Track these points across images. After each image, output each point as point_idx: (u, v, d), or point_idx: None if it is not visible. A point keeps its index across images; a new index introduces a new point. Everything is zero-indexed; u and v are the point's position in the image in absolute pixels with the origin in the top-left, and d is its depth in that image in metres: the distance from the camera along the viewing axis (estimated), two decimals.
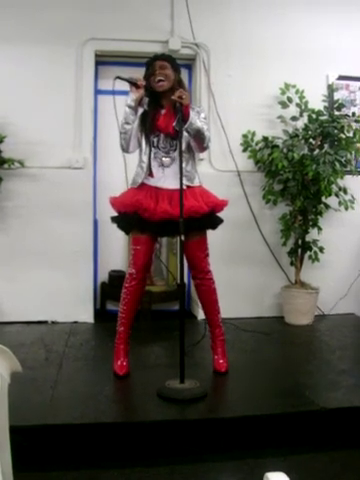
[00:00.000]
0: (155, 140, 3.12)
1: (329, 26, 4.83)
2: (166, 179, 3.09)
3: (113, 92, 2.98)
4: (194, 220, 2.98)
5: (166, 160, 3.10)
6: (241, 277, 4.70)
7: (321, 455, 2.52)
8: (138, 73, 3.16)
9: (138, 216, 3.03)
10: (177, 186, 2.93)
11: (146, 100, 3.12)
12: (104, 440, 2.50)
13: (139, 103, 3.07)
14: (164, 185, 3.09)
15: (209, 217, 3.11)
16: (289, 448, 2.57)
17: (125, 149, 3.17)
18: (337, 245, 4.80)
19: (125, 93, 3.09)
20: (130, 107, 3.06)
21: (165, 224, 2.99)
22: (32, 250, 4.45)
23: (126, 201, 3.10)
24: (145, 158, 3.12)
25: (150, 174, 3.12)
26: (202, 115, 3.15)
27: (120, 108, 3.07)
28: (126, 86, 3.07)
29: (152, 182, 3.11)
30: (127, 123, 3.08)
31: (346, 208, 4.48)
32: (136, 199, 3.05)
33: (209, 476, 2.28)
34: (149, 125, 3.10)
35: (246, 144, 4.65)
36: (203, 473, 2.34)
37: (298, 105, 4.62)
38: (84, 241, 4.57)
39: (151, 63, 3.10)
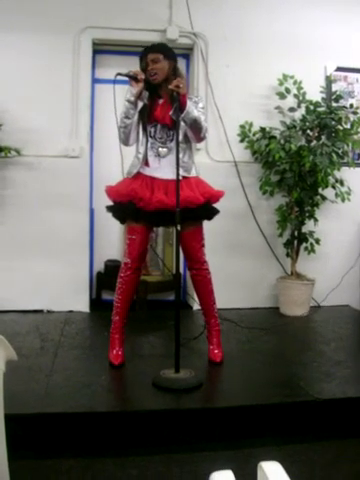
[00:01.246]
0: (152, 130, 3.11)
1: (328, 17, 4.81)
2: (162, 169, 3.08)
3: (113, 82, 2.97)
4: (189, 210, 2.98)
5: (162, 150, 3.10)
6: (237, 268, 4.71)
7: (315, 445, 2.53)
8: (136, 62, 3.15)
9: (133, 205, 3.03)
10: (173, 176, 2.92)
11: (146, 94, 3.10)
12: (99, 429, 2.51)
13: (139, 97, 3.06)
14: (160, 175, 3.08)
15: (205, 208, 3.11)
16: (283, 438, 2.58)
17: (124, 142, 3.16)
18: (333, 237, 4.81)
19: (123, 82, 3.08)
20: (130, 102, 3.04)
21: (160, 214, 2.99)
22: (28, 239, 4.44)
23: (121, 190, 3.10)
24: (142, 149, 3.12)
25: (146, 164, 3.11)
26: (200, 105, 3.14)
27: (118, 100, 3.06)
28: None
29: (148, 172, 3.11)
30: (127, 117, 3.06)
31: (342, 200, 4.49)
32: (131, 188, 3.05)
33: (204, 465, 2.29)
34: (146, 115, 3.09)
35: (243, 135, 4.64)
36: (198, 462, 2.35)
37: (296, 96, 4.61)
38: (80, 230, 4.56)
39: (143, 56, 3.09)
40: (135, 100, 3.04)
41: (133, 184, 3.08)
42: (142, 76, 3.02)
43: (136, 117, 3.08)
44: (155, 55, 3.06)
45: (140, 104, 3.07)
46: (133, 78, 3.01)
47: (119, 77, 2.99)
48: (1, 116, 4.30)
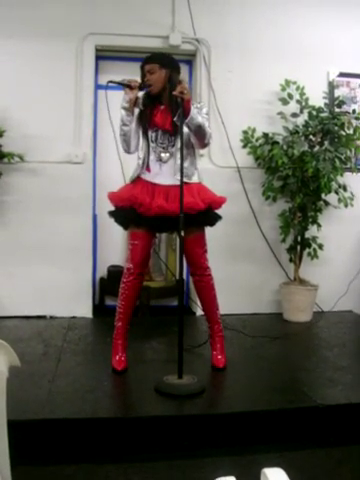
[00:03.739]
0: (153, 135, 3.12)
1: (330, 23, 4.82)
2: (163, 174, 3.08)
3: (105, 88, 3.03)
4: (190, 216, 2.97)
5: (164, 155, 3.10)
6: (240, 273, 4.70)
7: (318, 451, 2.53)
8: (138, 68, 3.16)
9: (134, 211, 3.03)
10: (174, 182, 2.95)
11: (140, 101, 3.12)
12: (102, 435, 2.50)
13: (134, 104, 3.07)
14: (160, 181, 3.08)
15: (206, 214, 3.11)
16: (286, 444, 2.57)
17: (127, 150, 3.19)
18: (336, 242, 4.80)
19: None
20: (125, 109, 3.06)
21: (161, 220, 3.00)
22: (31, 245, 4.45)
23: (122, 195, 3.11)
24: (141, 154, 3.13)
25: (147, 169, 3.11)
26: (204, 111, 3.15)
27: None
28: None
29: (149, 177, 3.11)
30: (125, 125, 3.08)
31: (345, 205, 4.48)
32: (131, 194, 3.06)
33: (206, 471, 2.28)
34: (146, 120, 3.10)
35: (246, 140, 4.65)
36: (200, 468, 2.34)
37: (298, 102, 4.61)
38: (83, 236, 4.57)
39: (141, 68, 3.12)
40: (130, 107, 3.05)
41: (134, 190, 3.09)
42: (136, 83, 3.04)
43: (134, 124, 3.09)
44: (151, 66, 3.07)
45: (136, 111, 3.09)
46: (126, 85, 3.03)
47: (111, 84, 3.02)
48: (4, 122, 4.31)
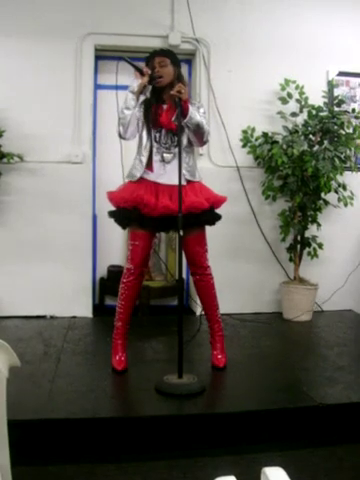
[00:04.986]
0: (157, 135, 3.11)
1: (330, 22, 4.82)
2: (167, 174, 3.06)
3: (118, 59, 3.04)
4: (193, 216, 2.98)
5: (167, 156, 3.09)
6: (240, 273, 4.70)
7: (318, 450, 2.52)
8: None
9: (138, 211, 3.02)
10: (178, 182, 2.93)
11: (149, 88, 3.11)
12: (102, 435, 2.50)
13: (141, 91, 3.07)
14: (164, 181, 3.07)
15: (208, 213, 3.11)
16: (287, 443, 2.57)
17: (122, 135, 3.11)
18: (336, 241, 4.80)
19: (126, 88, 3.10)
20: (132, 92, 3.05)
21: (165, 219, 2.99)
22: (31, 245, 4.45)
23: (126, 196, 3.07)
24: (145, 152, 3.11)
25: (150, 169, 3.10)
26: (201, 110, 3.15)
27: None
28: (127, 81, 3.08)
29: (152, 177, 3.10)
30: (127, 108, 3.05)
31: (345, 204, 4.48)
32: (137, 194, 3.04)
33: (207, 471, 2.29)
34: (152, 120, 3.09)
35: (246, 140, 4.64)
36: (201, 468, 2.34)
37: (298, 101, 4.61)
38: (83, 236, 4.56)
39: (150, 59, 3.11)
40: (138, 92, 3.05)
41: (138, 190, 3.06)
42: (147, 70, 3.03)
43: (136, 109, 3.07)
44: (162, 58, 3.08)
45: (141, 97, 3.08)
46: (138, 70, 3.03)
47: (124, 62, 3.02)
48: (4, 122, 4.31)
